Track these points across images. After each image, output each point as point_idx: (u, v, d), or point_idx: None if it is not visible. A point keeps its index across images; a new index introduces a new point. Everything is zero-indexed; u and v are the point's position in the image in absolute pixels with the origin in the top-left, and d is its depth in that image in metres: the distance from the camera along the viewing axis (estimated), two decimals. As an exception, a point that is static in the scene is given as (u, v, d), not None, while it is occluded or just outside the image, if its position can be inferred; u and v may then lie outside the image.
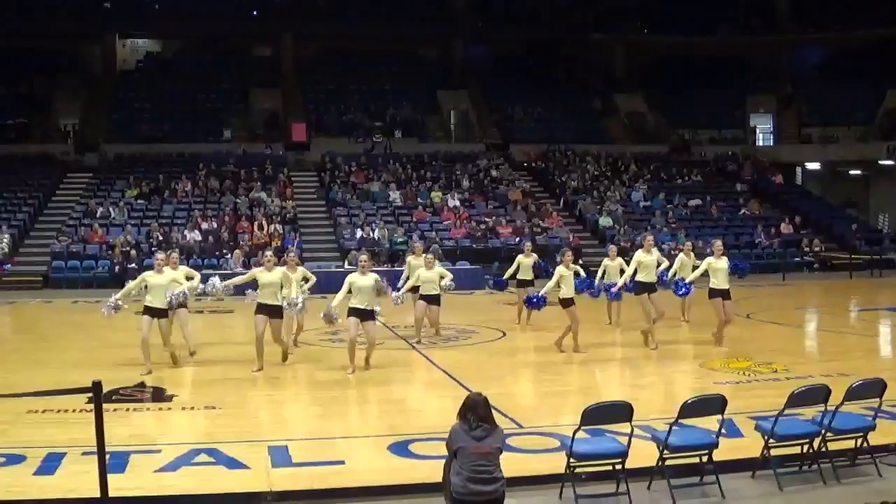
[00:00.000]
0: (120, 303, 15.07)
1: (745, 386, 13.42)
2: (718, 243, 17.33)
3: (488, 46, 52.42)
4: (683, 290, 17.90)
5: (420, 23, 50.34)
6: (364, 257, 15.02)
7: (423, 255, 18.93)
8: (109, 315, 15.02)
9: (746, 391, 12.98)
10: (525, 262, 20.17)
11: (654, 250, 17.51)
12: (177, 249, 16.27)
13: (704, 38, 51.61)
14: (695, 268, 18.02)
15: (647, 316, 16.90)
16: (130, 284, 15.61)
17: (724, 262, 16.86)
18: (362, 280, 14.48)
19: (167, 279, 14.86)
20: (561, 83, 49.95)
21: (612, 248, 20.42)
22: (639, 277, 17.00)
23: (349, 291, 14.51)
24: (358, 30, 48.86)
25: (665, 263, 18.56)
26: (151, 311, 14.77)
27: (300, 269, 17.02)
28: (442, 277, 18.10)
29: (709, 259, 17.07)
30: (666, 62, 51.57)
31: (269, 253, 15.68)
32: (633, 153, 45.51)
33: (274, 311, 14.77)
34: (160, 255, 15.51)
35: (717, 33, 51.97)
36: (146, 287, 14.92)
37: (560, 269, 16.60)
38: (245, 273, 17.33)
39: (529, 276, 20.21)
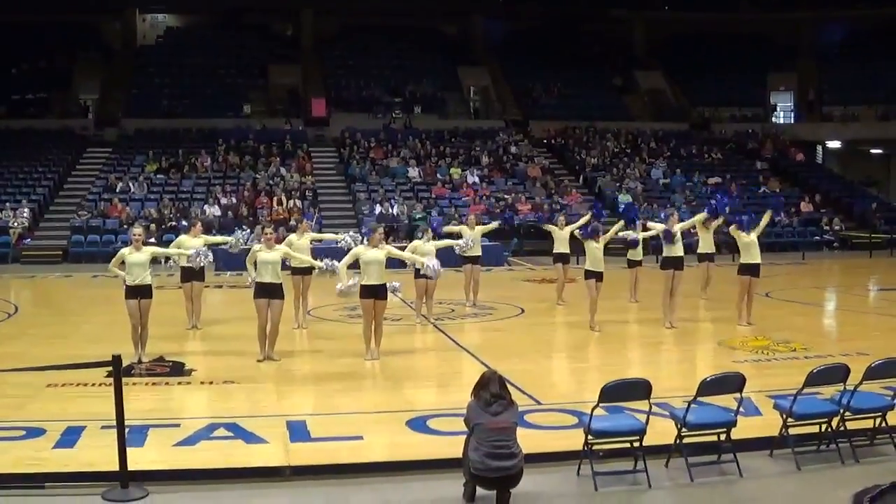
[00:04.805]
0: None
1: (764, 364, 13.39)
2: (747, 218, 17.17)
3: (508, 22, 52.25)
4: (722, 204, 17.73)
5: (440, -2, 50.29)
6: (379, 230, 14.34)
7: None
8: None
9: (765, 370, 12.96)
10: (561, 234, 20.01)
11: (678, 224, 17.04)
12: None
13: (725, 15, 51.40)
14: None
15: (664, 291, 16.80)
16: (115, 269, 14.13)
17: (753, 236, 16.72)
18: (372, 253, 13.82)
19: (146, 256, 13.83)
20: (581, 60, 49.73)
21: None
22: (665, 252, 16.89)
23: (355, 265, 13.92)
24: (378, 5, 48.80)
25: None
26: (136, 292, 13.70)
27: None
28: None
29: (737, 231, 16.91)
30: (686, 39, 51.36)
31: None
32: (653, 130, 45.36)
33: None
34: (137, 230, 14.40)
35: (738, 10, 51.71)
36: (124, 265, 13.81)
37: (591, 242, 16.60)
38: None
39: (565, 248, 20.02)
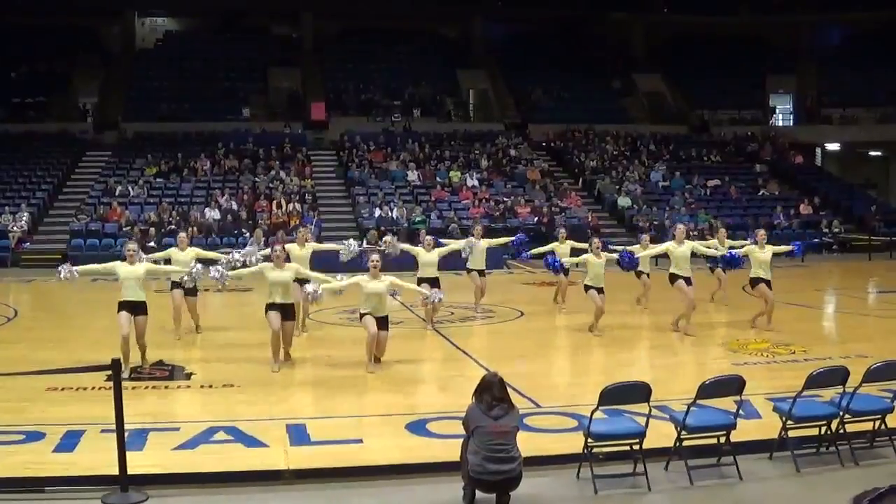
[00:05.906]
0: (76, 275, 13.40)
1: (764, 367, 13.40)
2: (762, 232, 17.15)
3: (508, 25, 52.30)
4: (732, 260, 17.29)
5: (440, 1, 50.26)
6: (375, 257, 13.82)
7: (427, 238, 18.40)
8: (65, 278, 13.34)
9: (765, 372, 12.97)
10: (561, 249, 19.70)
11: (688, 242, 16.95)
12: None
13: (725, 18, 51.40)
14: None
15: (684, 301, 16.45)
16: (97, 266, 14.17)
17: (768, 254, 16.55)
18: (374, 285, 13.49)
19: (140, 272, 13.50)
20: (580, 63, 49.68)
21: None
22: (672, 270, 16.58)
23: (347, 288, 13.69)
24: (378, 8, 48.82)
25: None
26: (128, 307, 13.30)
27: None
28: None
29: (751, 247, 16.86)
30: (685, 42, 51.34)
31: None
32: (652, 133, 45.31)
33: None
34: (131, 246, 13.90)
35: (737, 13, 51.73)
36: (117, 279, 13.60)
37: (588, 257, 16.54)
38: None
39: (566, 256, 19.90)
